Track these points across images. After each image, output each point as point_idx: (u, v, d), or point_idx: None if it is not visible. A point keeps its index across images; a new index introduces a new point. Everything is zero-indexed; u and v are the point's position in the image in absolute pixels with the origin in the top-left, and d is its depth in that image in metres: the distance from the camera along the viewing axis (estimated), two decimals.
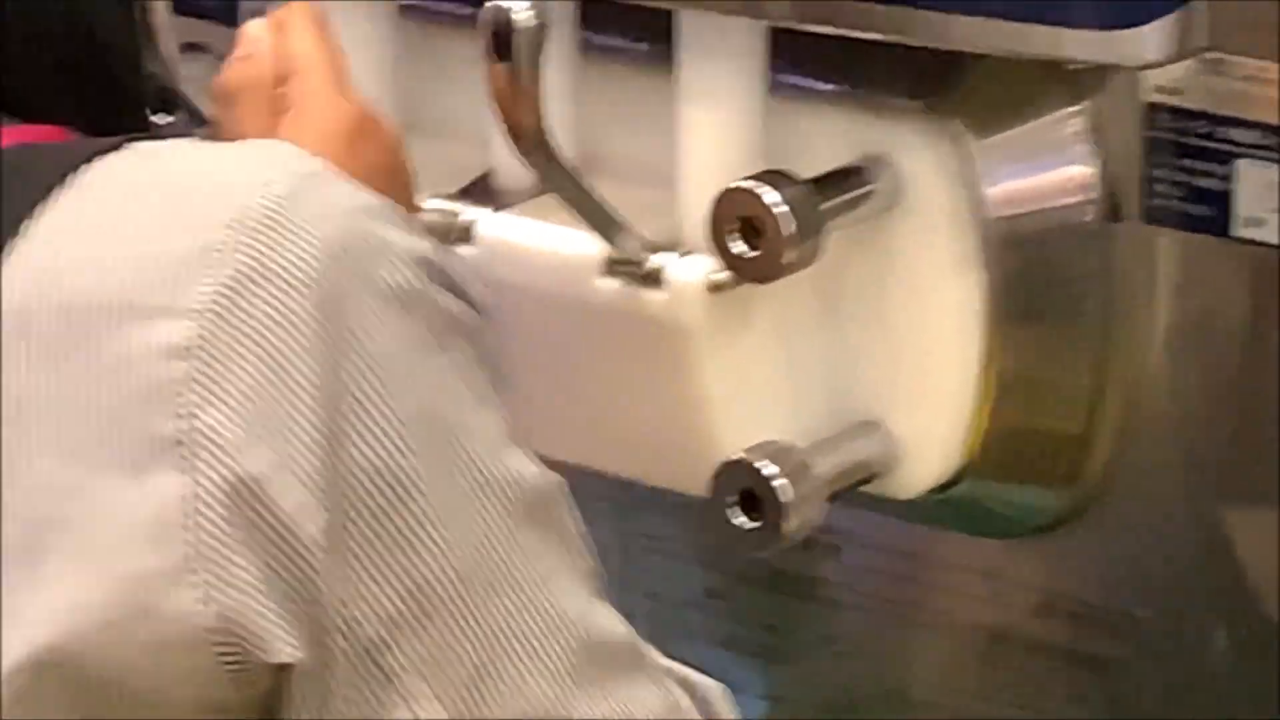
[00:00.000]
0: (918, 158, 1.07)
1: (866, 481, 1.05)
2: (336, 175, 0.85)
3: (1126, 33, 1.00)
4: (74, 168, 0.81)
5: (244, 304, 0.77)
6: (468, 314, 0.86)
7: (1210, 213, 1.07)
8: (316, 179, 0.84)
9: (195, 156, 0.86)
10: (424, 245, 0.86)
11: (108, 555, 0.77)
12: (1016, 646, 1.13)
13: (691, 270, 0.98)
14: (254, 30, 1.00)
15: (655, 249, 1.01)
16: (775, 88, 1.06)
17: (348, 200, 0.82)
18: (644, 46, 1.10)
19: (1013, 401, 1.07)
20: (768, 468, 0.97)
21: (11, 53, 0.91)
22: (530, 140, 0.99)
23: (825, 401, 1.08)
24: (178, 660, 0.78)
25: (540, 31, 1.00)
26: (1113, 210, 1.08)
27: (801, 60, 1.07)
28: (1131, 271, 1.09)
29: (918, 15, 1.01)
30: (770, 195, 0.99)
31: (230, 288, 0.76)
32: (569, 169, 1.00)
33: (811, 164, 1.05)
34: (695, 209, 1.02)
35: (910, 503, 1.07)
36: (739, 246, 0.98)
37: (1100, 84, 1.09)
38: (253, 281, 0.77)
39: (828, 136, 1.09)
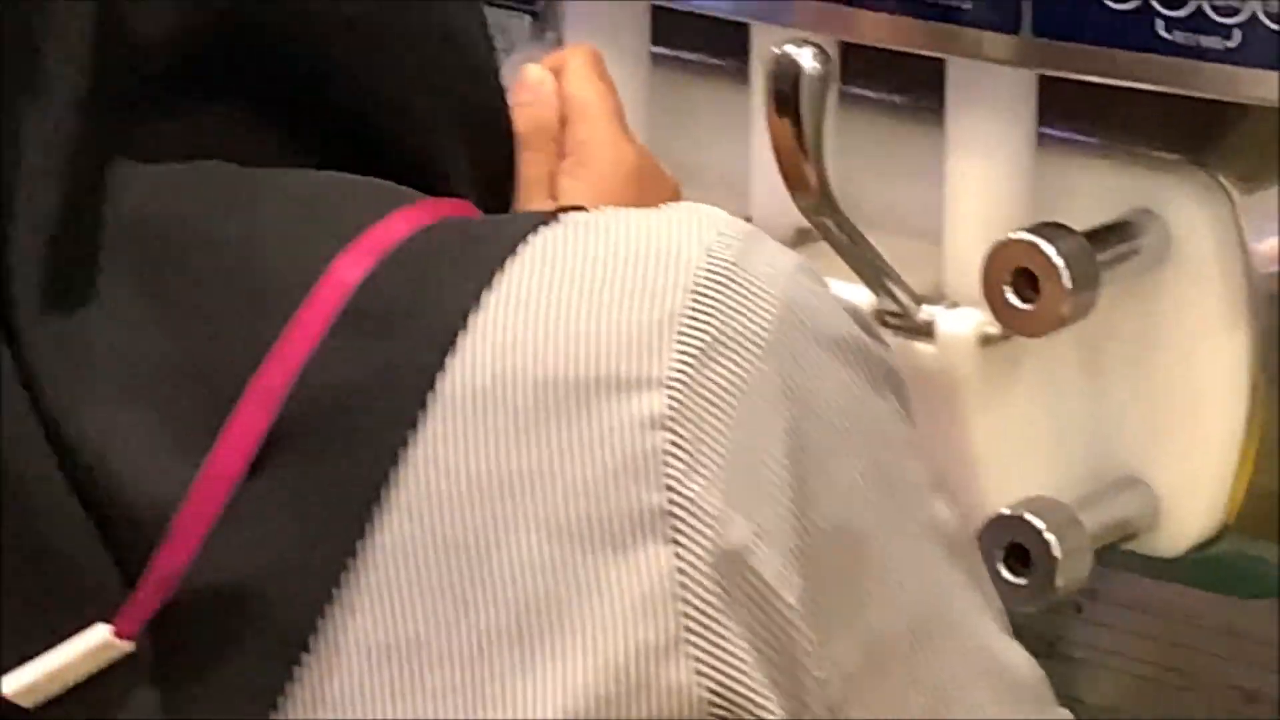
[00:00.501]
0: (1185, 212, 1.06)
1: (1130, 538, 1.04)
2: (766, 235, 0.86)
3: None
4: (521, 240, 0.81)
5: (712, 370, 0.77)
6: (891, 357, 0.86)
7: None
8: (755, 240, 0.84)
9: (633, 224, 0.85)
10: (844, 296, 0.84)
11: (602, 632, 0.77)
12: (1269, 706, 1.12)
13: (963, 323, 0.99)
14: (534, 74, 1.00)
15: (923, 301, 1.01)
16: (1042, 139, 1.06)
17: (785, 259, 0.81)
18: (898, 98, 1.11)
19: (1275, 459, 1.05)
20: (1039, 522, 0.97)
21: (416, 116, 0.89)
22: (814, 194, 1.00)
23: (1089, 457, 1.07)
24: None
25: (827, 81, 1.00)
26: None
27: (1068, 112, 1.06)
28: None
29: (1188, 65, 1.01)
30: (1048, 247, 0.99)
31: (698, 355, 0.76)
32: (848, 222, 1.01)
33: (1078, 217, 1.05)
34: (963, 260, 1.03)
35: (1167, 561, 1.06)
36: (1014, 299, 0.98)
37: None
38: (718, 347, 0.77)
39: (1094, 189, 1.09)
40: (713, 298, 0.76)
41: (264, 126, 0.86)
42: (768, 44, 1.11)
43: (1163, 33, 1.01)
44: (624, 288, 0.78)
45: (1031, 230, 1.02)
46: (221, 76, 0.85)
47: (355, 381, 0.78)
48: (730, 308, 0.76)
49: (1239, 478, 1.05)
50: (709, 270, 0.77)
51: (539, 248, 0.79)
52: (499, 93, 0.90)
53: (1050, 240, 1.01)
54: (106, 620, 0.75)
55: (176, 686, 0.79)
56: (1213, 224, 1.07)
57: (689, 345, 0.75)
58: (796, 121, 1.04)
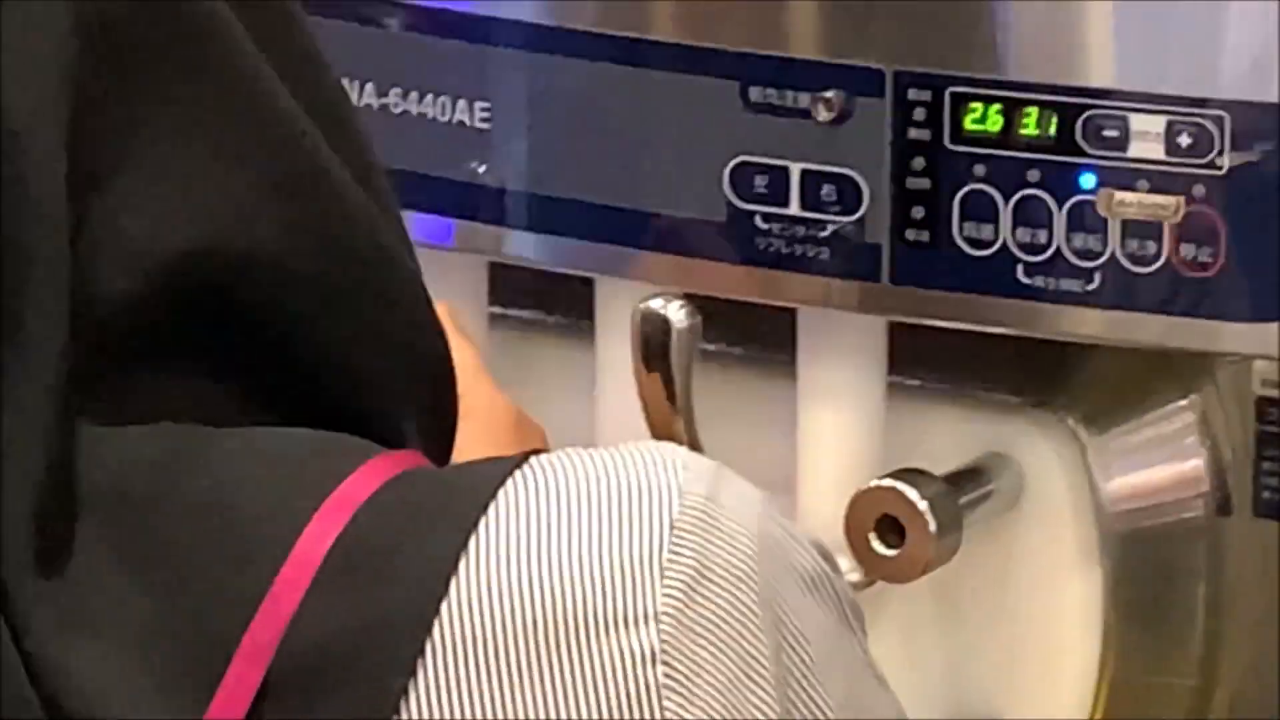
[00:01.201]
0: (1037, 454, 1.10)
1: None
2: (728, 469, 0.87)
3: (1276, 325, 1.03)
4: (499, 485, 0.82)
5: (700, 603, 0.78)
6: (849, 589, 0.89)
7: None
8: (721, 474, 0.85)
9: (601, 464, 0.86)
10: (805, 532, 0.86)
11: None
12: None
13: None
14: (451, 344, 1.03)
15: None
16: (892, 386, 1.09)
17: (751, 492, 0.83)
18: (750, 349, 1.14)
19: (1128, 695, 1.11)
20: (912, 492, 1.05)
21: (369, 373, 0.91)
22: (683, 446, 1.03)
23: (947, 696, 1.11)
24: None
25: (696, 334, 1.02)
26: (1223, 504, 1.10)
27: (919, 358, 1.10)
28: (1242, 565, 1.12)
29: (1049, 309, 1.05)
30: (912, 492, 1.02)
31: (685, 589, 0.77)
32: None
33: (931, 462, 1.07)
34: (819, 509, 1.06)
35: None
36: (879, 546, 1.01)
37: (1210, 378, 1.11)
38: (703, 581, 0.77)
39: (947, 434, 1.12)
40: (691, 532, 0.78)
41: (224, 386, 0.88)
42: (614, 299, 1.13)
43: (1022, 277, 1.03)
44: (604, 527, 0.80)
45: (893, 476, 1.04)
46: (182, 338, 0.86)
47: (346, 632, 0.79)
48: (709, 542, 0.78)
49: (1092, 715, 1.09)
50: (684, 505, 0.78)
51: (516, 492, 0.81)
52: (444, 344, 0.91)
53: (913, 485, 1.03)
54: None
55: None
56: (1063, 466, 1.10)
57: (675, 580, 0.77)
58: (666, 375, 1.05)
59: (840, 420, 1.09)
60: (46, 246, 0.85)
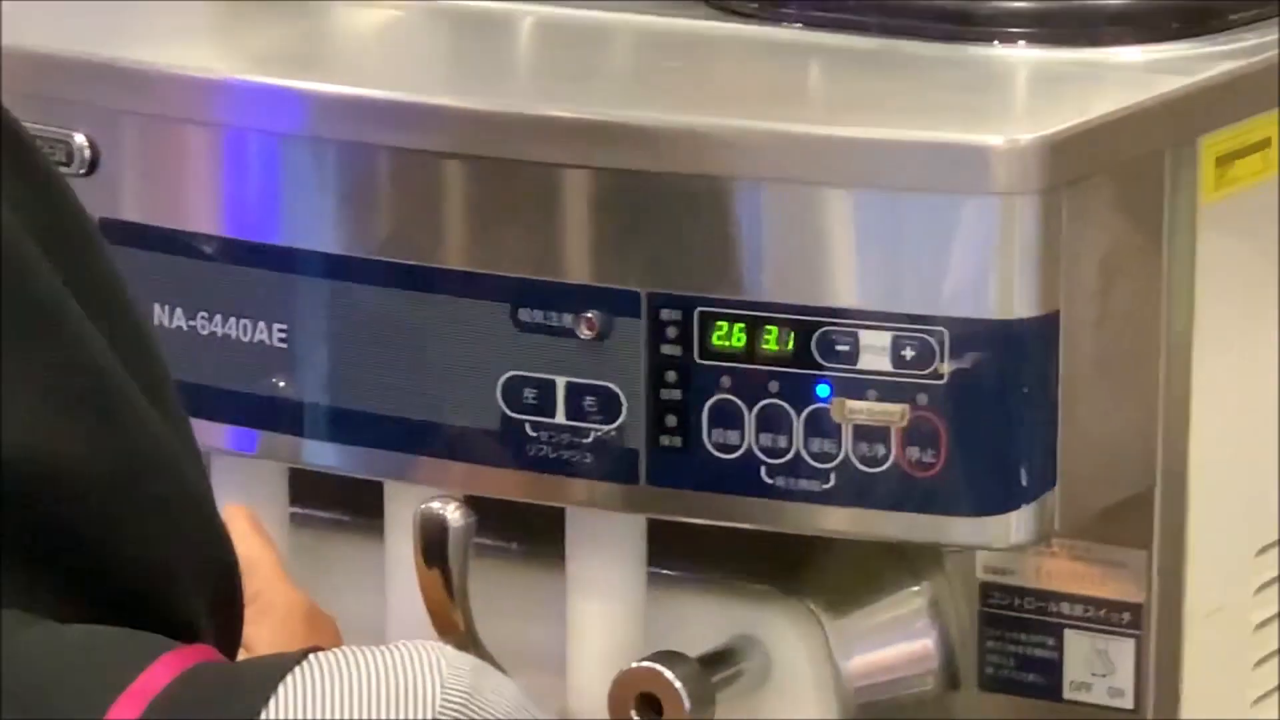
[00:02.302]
0: (782, 637, 1.15)
1: None
2: (487, 666, 0.93)
3: (996, 518, 1.11)
4: (280, 680, 0.88)
5: None
6: None
7: (1042, 680, 1.18)
8: (480, 670, 0.90)
9: (374, 661, 0.88)
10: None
11: None
12: None
13: None
14: (246, 541, 1.08)
15: None
16: (653, 576, 1.14)
17: (508, 686, 0.88)
18: (515, 546, 1.18)
19: None
20: (668, 673, 1.10)
21: (164, 571, 0.96)
22: (461, 636, 1.08)
23: None
24: None
25: (472, 530, 1.06)
26: (952, 679, 1.17)
27: (676, 550, 1.15)
28: None
29: (790, 506, 1.11)
30: (668, 673, 1.05)
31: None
32: (492, 660, 1.09)
33: (688, 644, 1.12)
34: (588, 688, 1.11)
35: None
36: None
37: (939, 564, 1.18)
38: None
39: (701, 619, 1.17)
40: None
41: (35, 578, 0.90)
42: (400, 500, 1.18)
43: (766, 478, 1.09)
44: (383, 716, 0.89)
45: (652, 658, 1.09)
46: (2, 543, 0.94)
47: None
48: None
49: None
50: (445, 700, 0.85)
51: (295, 687, 0.84)
52: (227, 543, 0.95)
53: (669, 666, 1.08)
54: None
55: None
56: (806, 646, 1.15)
57: None
58: (444, 571, 1.11)
59: (604, 609, 1.14)
60: None
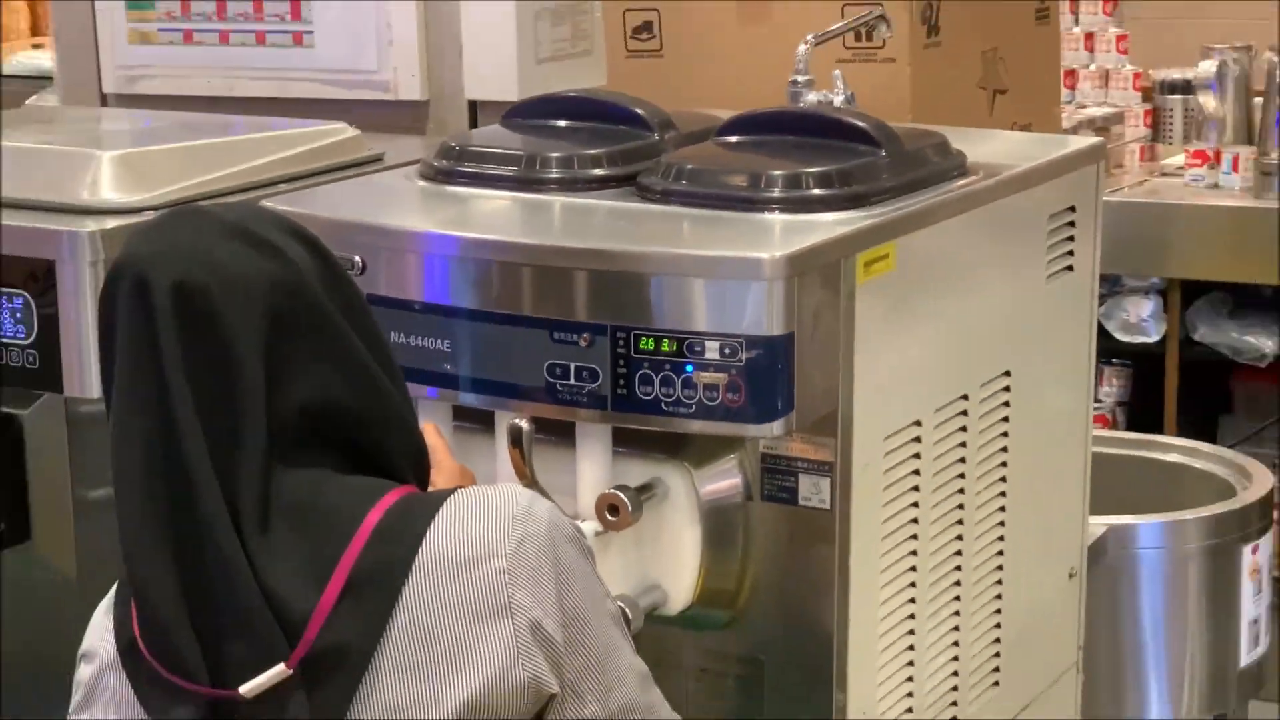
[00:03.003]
0: (673, 478, 1.49)
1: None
2: (537, 494, 1.25)
3: (768, 424, 1.41)
4: (443, 501, 1.20)
5: (522, 550, 1.19)
6: (584, 538, 1.26)
7: (788, 497, 1.50)
8: (535, 496, 1.22)
9: (490, 491, 1.25)
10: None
11: (489, 656, 1.17)
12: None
13: None
14: (431, 439, 1.35)
15: None
16: (615, 453, 1.47)
17: (545, 503, 1.22)
18: (552, 438, 1.47)
19: None
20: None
21: (395, 453, 1.26)
22: (529, 484, 1.42)
23: (632, 580, 1.50)
24: (519, 696, 1.19)
25: (532, 432, 1.44)
26: (748, 496, 1.52)
27: (623, 440, 1.49)
28: None
29: (674, 420, 1.41)
30: (622, 494, 1.43)
31: (517, 545, 1.19)
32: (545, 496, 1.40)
33: (630, 481, 1.46)
34: (584, 506, 1.46)
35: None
36: (608, 517, 1.43)
37: (742, 445, 1.52)
38: (525, 540, 1.19)
39: (635, 471, 1.50)
40: (520, 520, 1.18)
41: (337, 458, 1.23)
42: (502, 419, 1.48)
43: (665, 407, 1.40)
44: (483, 517, 1.19)
45: (614, 488, 1.43)
46: (314, 436, 1.21)
47: (380, 560, 1.16)
48: (527, 525, 1.19)
49: None
50: (514, 509, 1.19)
51: (451, 504, 1.20)
52: (422, 440, 1.29)
53: (622, 490, 1.43)
54: (283, 660, 1.15)
55: (308, 691, 1.17)
56: (684, 482, 1.50)
57: (512, 541, 1.17)
58: (521, 451, 1.45)
59: (591, 467, 1.49)
60: (252, 399, 1.17)
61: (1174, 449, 2.78)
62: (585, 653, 1.22)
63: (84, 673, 1.26)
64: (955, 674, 1.76)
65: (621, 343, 1.43)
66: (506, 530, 1.19)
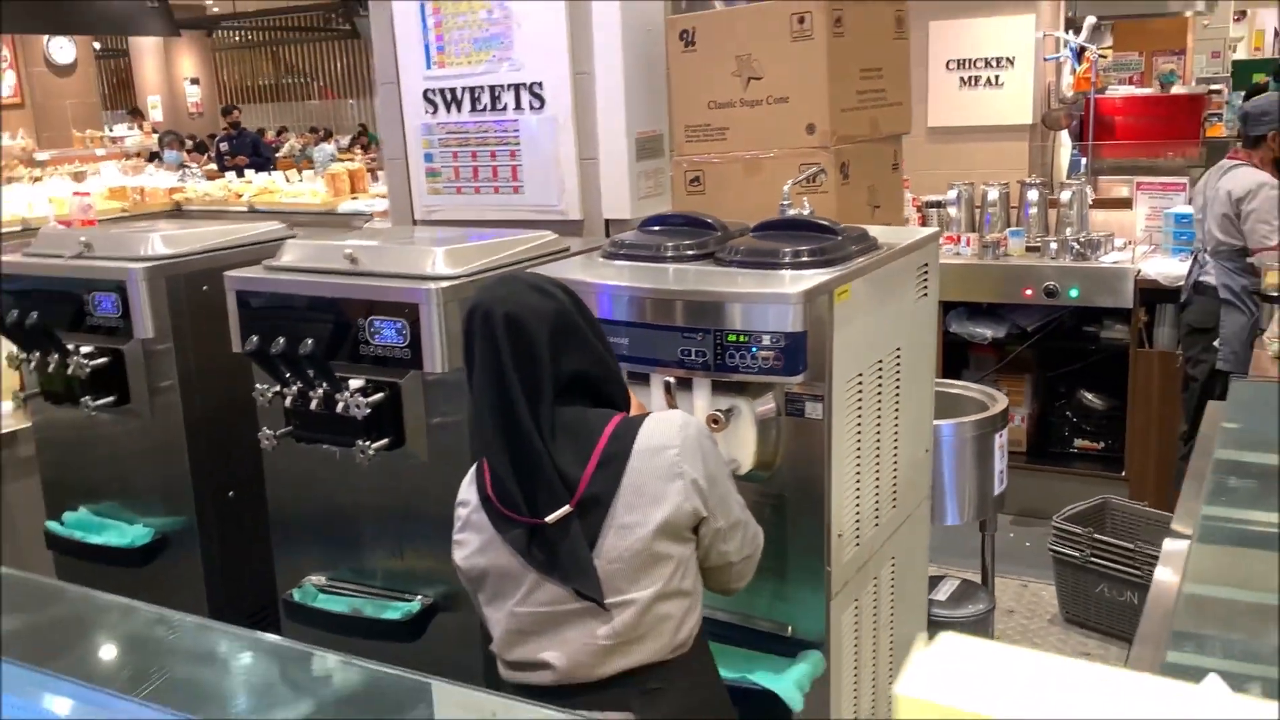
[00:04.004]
0: (741, 405, 1.77)
1: None
2: (691, 416, 1.39)
3: (792, 377, 1.65)
4: (642, 421, 1.34)
5: (686, 441, 1.32)
6: (708, 433, 1.39)
7: (814, 416, 1.78)
8: (684, 414, 1.34)
9: (661, 415, 1.35)
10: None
11: (676, 497, 1.30)
12: None
13: None
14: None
15: None
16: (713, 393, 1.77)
17: (691, 418, 1.37)
18: (674, 382, 1.81)
19: None
20: None
21: (614, 391, 1.40)
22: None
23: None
24: (688, 516, 1.33)
25: (673, 384, 1.68)
26: (779, 414, 1.79)
27: (718, 390, 1.78)
28: None
29: (738, 375, 1.65)
30: (717, 411, 1.69)
31: (683, 440, 1.32)
32: None
33: (717, 408, 1.73)
34: (696, 418, 1.73)
35: None
36: (713, 426, 1.68)
37: (773, 388, 1.79)
38: (686, 440, 1.32)
39: (722, 402, 1.67)
40: (681, 427, 1.36)
41: (586, 401, 1.39)
42: (657, 377, 1.64)
43: (729, 368, 1.58)
44: (663, 427, 1.35)
45: (711, 414, 1.69)
46: (571, 387, 1.37)
47: (614, 450, 1.33)
48: (686, 429, 1.36)
49: None
50: (679, 421, 1.36)
51: (648, 421, 1.36)
52: (626, 388, 1.44)
53: (717, 410, 1.68)
54: (568, 504, 1.30)
55: (580, 519, 1.31)
56: (748, 407, 1.68)
57: (679, 438, 1.34)
58: (669, 394, 1.65)
59: (700, 402, 1.69)
60: (543, 372, 1.32)
61: (955, 386, 3.08)
62: (716, 494, 1.39)
63: (461, 512, 1.43)
64: (877, 502, 1.93)
65: (718, 337, 1.64)
66: (675, 432, 1.36)
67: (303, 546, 2.21)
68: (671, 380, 1.69)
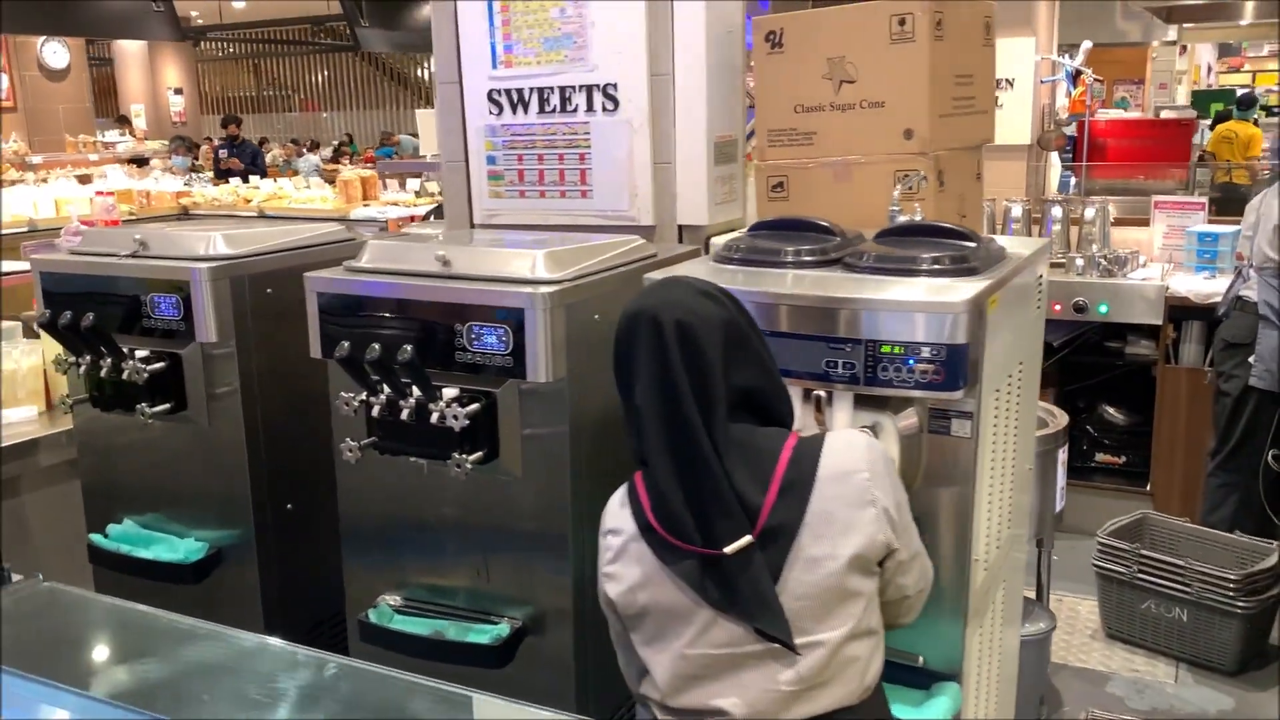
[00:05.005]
0: (885, 422, 1.57)
1: None
2: (872, 437, 1.35)
3: (950, 393, 1.61)
4: (824, 440, 1.28)
5: (876, 466, 1.22)
6: (888, 458, 1.34)
7: (949, 428, 1.65)
8: (870, 437, 1.30)
9: (843, 434, 1.31)
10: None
11: (868, 526, 1.22)
12: None
13: None
14: None
15: None
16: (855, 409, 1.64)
17: (874, 440, 1.33)
18: (825, 395, 1.70)
19: None
20: None
21: (783, 408, 1.34)
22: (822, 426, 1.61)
23: None
24: (879, 549, 1.25)
25: (824, 397, 1.58)
26: (921, 430, 1.68)
27: (859, 404, 1.67)
28: None
29: (887, 390, 1.61)
30: (875, 427, 1.59)
31: (871, 463, 1.22)
32: None
33: (860, 424, 1.63)
34: (843, 428, 1.64)
35: None
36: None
37: (916, 401, 1.67)
38: (873, 463, 1.22)
39: (864, 419, 1.57)
40: (870, 449, 1.30)
41: (754, 419, 1.30)
42: (799, 392, 1.62)
43: (881, 379, 1.47)
44: (851, 450, 1.28)
45: (860, 427, 1.57)
46: (741, 404, 1.29)
47: (797, 475, 1.23)
48: (873, 452, 1.30)
49: None
50: (867, 444, 1.31)
51: (829, 441, 1.29)
52: (790, 402, 1.39)
53: (871, 427, 1.55)
54: (749, 534, 1.20)
55: (762, 550, 1.21)
56: (892, 425, 1.55)
57: (867, 462, 1.28)
58: (818, 406, 1.55)
59: (842, 414, 1.54)
60: (717, 385, 1.24)
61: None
62: (903, 523, 1.31)
63: (612, 541, 1.31)
64: (1000, 522, 1.84)
65: (870, 348, 1.52)
66: (862, 455, 1.29)
67: (375, 564, 2.06)
68: (823, 394, 1.57)
